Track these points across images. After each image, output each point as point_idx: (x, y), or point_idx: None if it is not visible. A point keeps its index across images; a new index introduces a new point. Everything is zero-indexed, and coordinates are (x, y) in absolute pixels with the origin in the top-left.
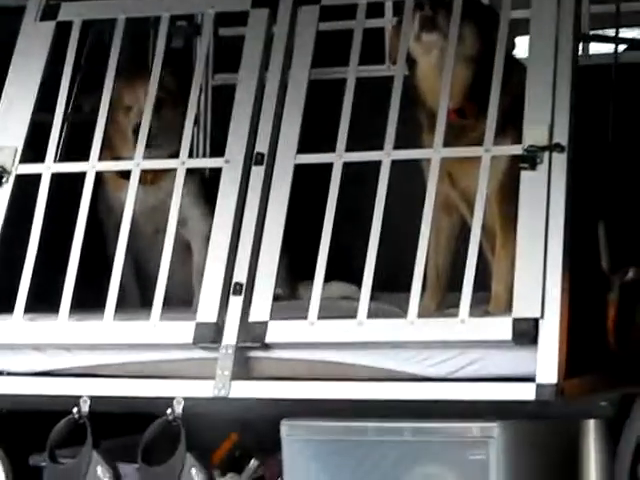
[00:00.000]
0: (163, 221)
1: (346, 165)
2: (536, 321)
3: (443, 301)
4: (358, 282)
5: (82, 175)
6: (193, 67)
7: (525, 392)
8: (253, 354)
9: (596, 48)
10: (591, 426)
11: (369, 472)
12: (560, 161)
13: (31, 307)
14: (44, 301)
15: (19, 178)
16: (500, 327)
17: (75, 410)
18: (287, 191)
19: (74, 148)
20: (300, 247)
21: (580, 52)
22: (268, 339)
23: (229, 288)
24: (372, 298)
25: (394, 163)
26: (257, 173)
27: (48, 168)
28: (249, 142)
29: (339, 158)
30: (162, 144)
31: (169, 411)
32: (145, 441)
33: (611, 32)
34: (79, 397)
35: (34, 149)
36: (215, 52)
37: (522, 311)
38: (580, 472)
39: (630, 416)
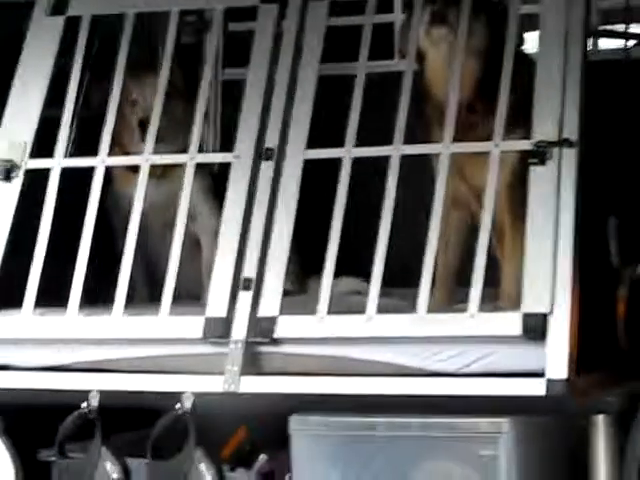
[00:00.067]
0: (172, 216)
1: (356, 160)
2: (545, 316)
3: (453, 296)
4: (367, 277)
5: (91, 170)
6: (202, 62)
7: (535, 387)
8: (262, 349)
9: (605, 44)
10: (600, 421)
11: (378, 467)
12: (570, 156)
13: (40, 302)
14: (53, 296)
15: (29, 173)
16: (510, 322)
17: (84, 405)
18: (296, 186)
19: (84, 143)
20: (309, 242)
21: (589, 47)
22: (277, 334)
23: (238, 283)
24: (381, 293)
25: (404, 158)
26: (266, 168)
27: (58, 163)
28: (258, 137)
29: (348, 153)
30: (169, 139)
31: (178, 406)
32: (154, 436)
33: (621, 27)
34: (88, 392)
35: (43, 144)
36: (224, 47)
37: (531, 306)
38: (589, 467)
39: (639, 411)
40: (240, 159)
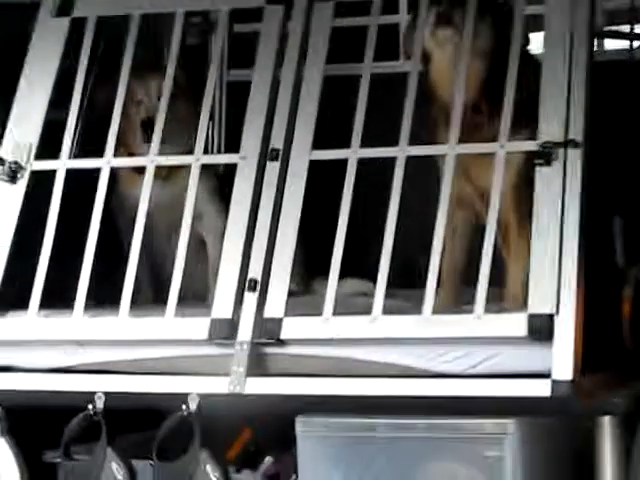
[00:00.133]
0: (178, 217)
1: (361, 161)
2: (551, 317)
3: (458, 297)
4: (373, 278)
5: (97, 171)
6: (208, 63)
7: (540, 388)
8: (268, 350)
9: (611, 44)
10: (606, 422)
11: (384, 468)
12: (575, 157)
13: (46, 303)
14: (59, 297)
15: (34, 174)
16: (515, 323)
17: (90, 406)
18: (302, 187)
19: (89, 144)
20: (315, 243)
21: (595, 48)
22: (283, 335)
23: (244, 284)
24: (386, 294)
25: (410, 159)
26: (272, 169)
27: (63, 164)
28: (264, 138)
29: (354, 154)
30: (175, 140)
31: (184, 407)
32: (160, 437)
33: (626, 28)
34: (94, 393)
35: (49, 146)
36: (230, 48)
37: (537, 307)
38: (595, 468)
39: None
40: (246, 160)
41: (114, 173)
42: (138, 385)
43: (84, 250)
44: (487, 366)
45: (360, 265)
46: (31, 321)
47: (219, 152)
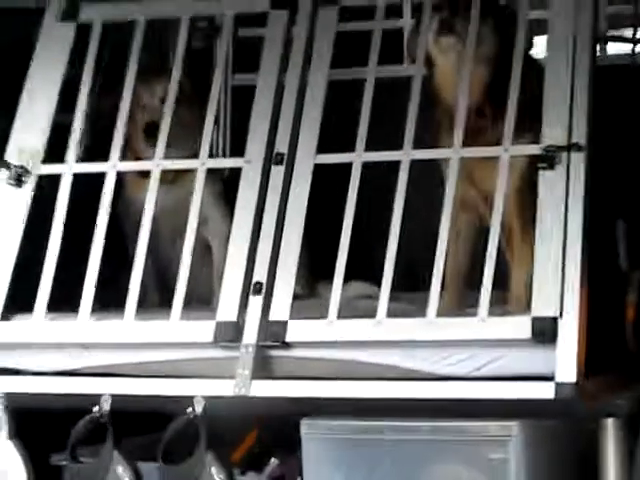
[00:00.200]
0: (183, 221)
1: (366, 164)
2: (555, 320)
3: (462, 300)
4: (377, 281)
5: (103, 175)
6: (213, 67)
7: (544, 391)
8: (273, 353)
9: (614, 48)
10: (610, 425)
11: (388, 471)
12: (578, 161)
13: (52, 307)
14: (65, 301)
15: (40, 179)
16: (519, 326)
17: (96, 409)
18: (307, 191)
19: (95, 149)
20: (320, 246)
21: (598, 52)
22: (288, 338)
23: (249, 287)
24: (390, 297)
25: (414, 163)
26: (277, 173)
27: (69, 168)
28: (269, 142)
29: (358, 158)
30: (180, 144)
31: (189, 410)
32: (165, 440)
33: (629, 32)
34: (100, 396)
35: (55, 150)
36: (235, 53)
37: (541, 310)
38: (598, 470)
39: None
40: (251, 164)
41: (120, 177)
42: (144, 388)
43: (90, 254)
44: (491, 369)
45: (364, 268)
46: (37, 324)
47: (224, 156)
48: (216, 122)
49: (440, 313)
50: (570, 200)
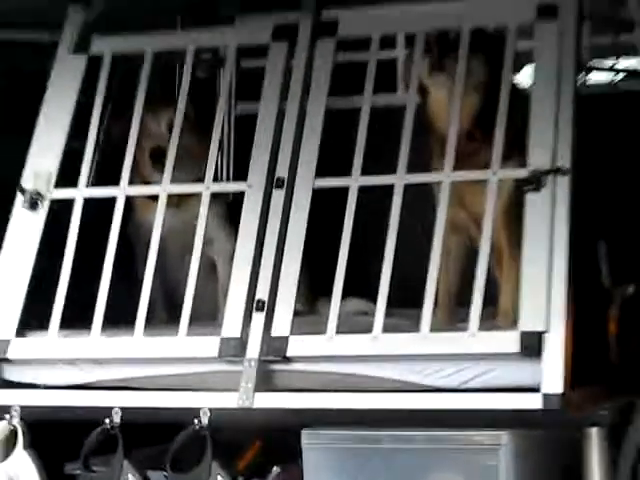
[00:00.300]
0: (190, 242)
1: (362, 188)
2: (541, 334)
3: (454, 316)
4: (373, 298)
5: (113, 199)
6: (217, 97)
7: (532, 402)
8: (275, 367)
9: (595, 77)
10: (594, 434)
11: (384, 478)
12: (563, 183)
13: (65, 324)
14: (77, 318)
15: (54, 202)
16: (508, 340)
17: (107, 421)
18: (306, 213)
19: (106, 174)
20: (319, 265)
21: (580, 81)
22: (289, 353)
23: (252, 305)
24: (387, 314)
25: (407, 186)
26: (278, 196)
27: (81, 193)
28: (270, 167)
29: (355, 182)
30: (186, 169)
31: (196, 421)
32: (173, 450)
33: (609, 62)
34: (111, 408)
35: (67, 175)
36: (237, 82)
37: (528, 325)
38: (583, 477)
39: (631, 424)
40: (253, 188)
41: (130, 201)
42: (153, 400)
43: (101, 273)
44: (481, 381)
45: (361, 286)
46: (52, 341)
47: (228, 180)
48: (220, 148)
49: (433, 328)
50: (555, 221)
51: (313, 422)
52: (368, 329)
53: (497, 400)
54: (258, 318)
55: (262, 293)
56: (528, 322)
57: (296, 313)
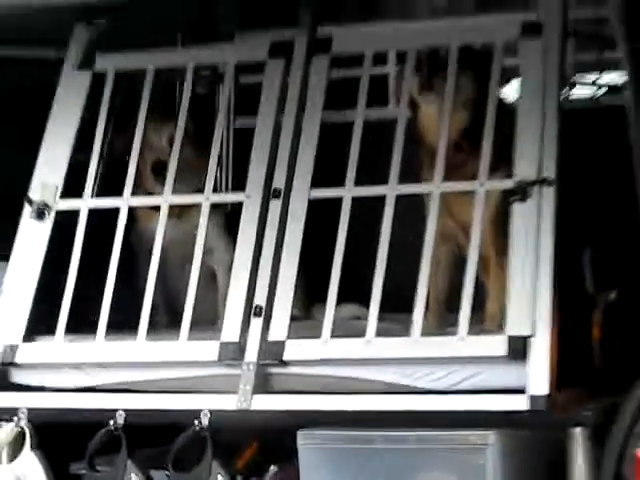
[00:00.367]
0: (190, 251)
1: (356, 198)
2: (528, 338)
3: (444, 321)
4: (367, 304)
5: (116, 209)
6: (216, 111)
7: (519, 403)
8: (272, 370)
9: (577, 92)
10: (578, 433)
11: (377, 477)
12: (548, 194)
13: (71, 329)
14: (83, 324)
15: (60, 213)
16: (495, 344)
17: (111, 422)
18: (302, 223)
19: (110, 185)
20: (315, 272)
21: (564, 96)
22: (286, 356)
23: (250, 310)
24: (379, 319)
25: (399, 196)
26: (275, 207)
27: (86, 203)
28: (267, 178)
29: (348, 192)
30: (186, 181)
31: (196, 422)
32: (175, 450)
33: (592, 77)
34: (115, 411)
35: (72, 187)
36: (236, 97)
37: (515, 329)
38: (568, 476)
39: (613, 425)
40: (251, 198)
41: (132, 211)
42: (155, 403)
43: (105, 281)
44: (470, 383)
45: (355, 292)
46: (58, 346)
47: (227, 191)
48: (219, 161)
49: (423, 333)
50: (540, 230)
51: (309, 423)
52: (361, 334)
53: (485, 401)
54: (256, 323)
55: (260, 299)
56: (515, 327)
57: (292, 318)
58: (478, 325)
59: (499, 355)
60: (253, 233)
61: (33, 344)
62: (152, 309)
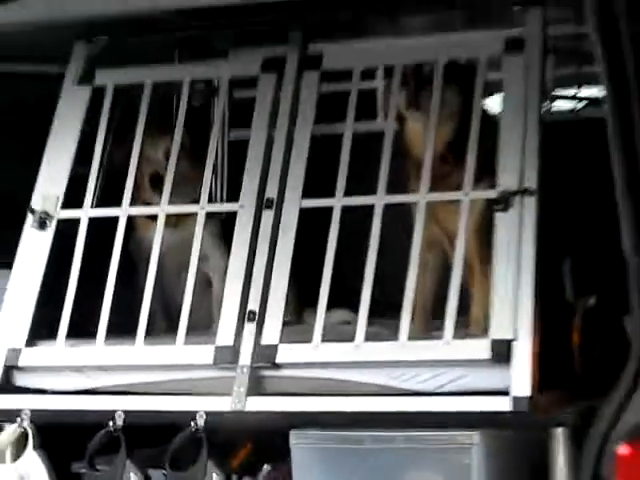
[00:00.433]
0: (186, 258)
1: (346, 208)
2: (511, 342)
3: (430, 325)
4: (356, 309)
5: (115, 218)
6: (211, 124)
7: (502, 404)
8: (265, 373)
9: (558, 105)
10: (559, 433)
11: (367, 476)
12: (530, 204)
13: (72, 334)
14: (83, 329)
15: (61, 222)
16: (480, 348)
17: (111, 423)
18: (294, 231)
19: (109, 195)
20: (306, 279)
21: (545, 109)
22: (278, 360)
23: (244, 315)
24: (368, 323)
25: (387, 206)
26: (267, 216)
27: (86, 213)
28: (260, 189)
29: (338, 202)
30: (182, 192)
31: (193, 424)
32: (172, 450)
33: (572, 91)
34: (114, 412)
35: (73, 197)
36: (230, 111)
37: (498, 334)
38: (549, 474)
39: (591, 426)
40: (245, 208)
41: (131, 220)
42: (153, 404)
43: (105, 287)
44: (455, 385)
45: (345, 298)
46: (59, 350)
47: (221, 201)
48: (214, 172)
49: (410, 337)
50: (522, 238)
51: (301, 424)
52: (351, 338)
53: (470, 403)
54: (250, 328)
55: (253, 305)
56: (498, 331)
57: (285, 323)
58: (463, 329)
59: (483, 358)
60: (247, 241)
61: (35, 348)
62: (150, 314)
